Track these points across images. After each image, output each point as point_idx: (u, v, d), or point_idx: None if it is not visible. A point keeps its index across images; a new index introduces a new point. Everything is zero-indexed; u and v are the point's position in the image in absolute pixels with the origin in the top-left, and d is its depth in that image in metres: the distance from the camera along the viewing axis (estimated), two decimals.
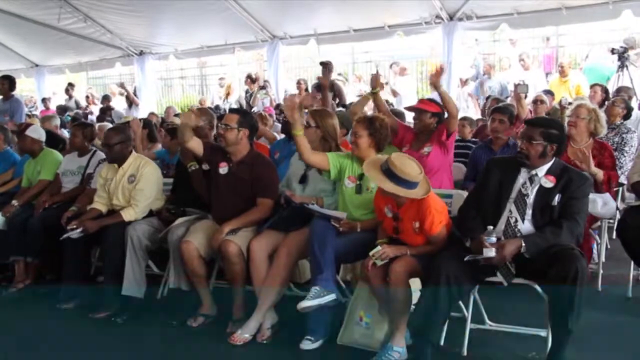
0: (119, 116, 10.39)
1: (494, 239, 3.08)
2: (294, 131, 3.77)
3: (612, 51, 7.95)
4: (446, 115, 4.56)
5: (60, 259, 4.43)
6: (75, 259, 4.39)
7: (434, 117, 4.59)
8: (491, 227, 3.13)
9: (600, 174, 4.30)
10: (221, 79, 12.87)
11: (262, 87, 10.63)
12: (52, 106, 13.24)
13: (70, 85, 13.47)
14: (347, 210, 3.80)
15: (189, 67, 15.43)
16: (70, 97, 13.23)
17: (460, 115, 7.47)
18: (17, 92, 8.66)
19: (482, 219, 3.28)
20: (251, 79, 10.90)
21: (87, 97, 13.23)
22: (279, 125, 7.47)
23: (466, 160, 5.10)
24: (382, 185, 3.34)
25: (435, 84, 4.51)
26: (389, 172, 3.29)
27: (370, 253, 3.36)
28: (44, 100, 13.42)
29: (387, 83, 10.06)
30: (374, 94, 4.86)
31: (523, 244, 3.08)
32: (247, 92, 11.03)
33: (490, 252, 3.04)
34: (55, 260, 4.51)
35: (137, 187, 4.38)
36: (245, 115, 4.14)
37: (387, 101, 7.76)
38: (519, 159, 3.30)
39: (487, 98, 7.98)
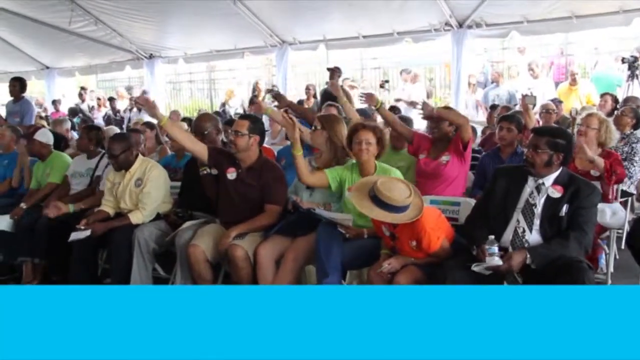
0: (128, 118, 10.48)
1: (495, 249, 3.07)
2: (294, 151, 3.78)
3: (623, 60, 7.93)
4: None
5: (67, 261, 4.44)
6: (82, 261, 4.40)
7: (452, 125, 4.59)
8: (492, 237, 3.11)
9: (600, 161, 4.28)
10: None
11: (270, 91, 10.61)
12: (62, 108, 13.33)
13: (83, 89, 13.52)
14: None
15: (197, 71, 15.48)
16: (83, 100, 13.27)
17: None
18: (28, 94, 8.70)
19: (489, 227, 3.27)
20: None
21: (99, 99, 13.31)
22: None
23: (474, 170, 5.08)
24: (369, 214, 3.29)
25: (429, 114, 4.53)
26: (376, 198, 3.23)
27: (378, 270, 3.38)
28: (54, 103, 13.49)
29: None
30: (377, 109, 4.86)
31: (528, 256, 3.08)
32: (252, 97, 11.02)
33: (497, 261, 3.04)
34: (63, 262, 4.52)
35: (144, 191, 4.40)
36: (256, 122, 4.13)
37: (394, 107, 7.77)
38: (525, 166, 3.31)
39: (492, 107, 7.94)
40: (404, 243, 3.37)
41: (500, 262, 3.03)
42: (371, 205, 3.24)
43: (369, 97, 4.88)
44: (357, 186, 3.42)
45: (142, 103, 4.34)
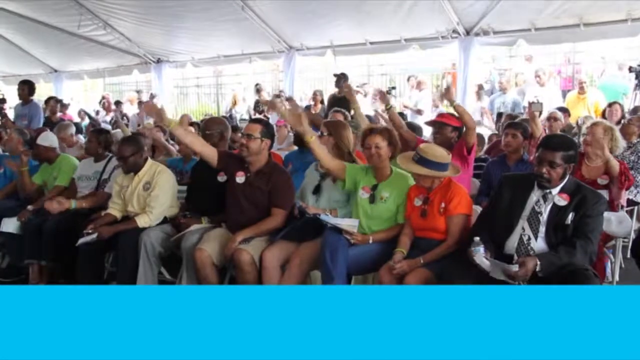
0: (133, 122, 10.51)
1: (481, 249, 3.08)
2: (306, 138, 3.83)
3: (630, 69, 7.91)
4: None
5: (73, 263, 4.46)
6: (88, 264, 4.42)
7: (455, 131, 4.61)
8: (477, 238, 3.13)
9: (615, 163, 4.28)
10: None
11: (277, 97, 10.65)
12: (69, 111, 13.36)
13: (104, 98, 13.52)
14: (360, 221, 3.81)
15: (204, 76, 15.52)
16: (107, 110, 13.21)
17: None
18: (36, 97, 8.75)
19: (494, 235, 3.28)
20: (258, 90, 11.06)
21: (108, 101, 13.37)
22: (292, 136, 7.48)
23: (480, 178, 5.08)
24: (418, 172, 3.57)
25: (449, 100, 4.57)
26: (421, 159, 3.55)
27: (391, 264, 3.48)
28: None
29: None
30: (388, 109, 4.90)
31: (538, 263, 3.06)
32: (257, 102, 11.08)
33: (514, 267, 3.02)
34: (69, 264, 4.55)
35: (152, 194, 4.42)
36: (267, 126, 4.17)
37: (401, 114, 7.78)
38: (540, 182, 3.25)
39: (498, 115, 7.96)
40: (434, 207, 3.59)
41: (516, 268, 3.02)
42: (419, 167, 3.58)
43: (382, 96, 4.97)
44: (402, 156, 3.75)
45: (149, 110, 4.37)
